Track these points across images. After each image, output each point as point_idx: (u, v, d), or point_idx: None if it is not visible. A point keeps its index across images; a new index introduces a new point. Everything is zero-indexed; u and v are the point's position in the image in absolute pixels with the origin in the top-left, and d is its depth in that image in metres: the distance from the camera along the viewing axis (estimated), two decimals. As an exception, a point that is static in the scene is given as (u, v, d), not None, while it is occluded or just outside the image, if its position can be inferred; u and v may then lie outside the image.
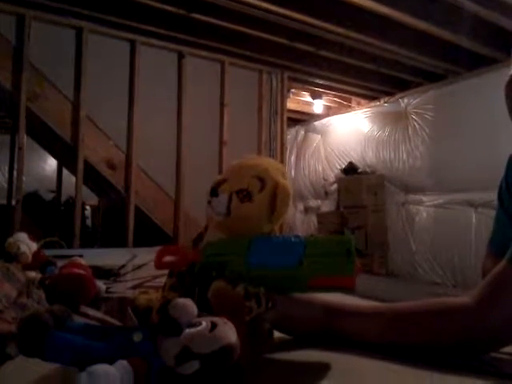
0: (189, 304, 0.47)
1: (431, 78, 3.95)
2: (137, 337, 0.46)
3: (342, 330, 0.64)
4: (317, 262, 0.60)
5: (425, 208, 3.93)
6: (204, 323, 0.47)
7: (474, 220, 3.50)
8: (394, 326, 0.62)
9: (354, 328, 0.64)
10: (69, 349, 0.46)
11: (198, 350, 0.44)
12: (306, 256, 0.60)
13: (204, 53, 3.41)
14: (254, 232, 0.66)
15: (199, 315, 0.49)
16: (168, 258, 0.68)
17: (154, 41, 3.21)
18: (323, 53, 3.52)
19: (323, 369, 0.57)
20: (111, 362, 0.43)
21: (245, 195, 0.65)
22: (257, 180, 0.66)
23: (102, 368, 0.41)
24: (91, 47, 2.98)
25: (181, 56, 3.33)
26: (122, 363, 0.43)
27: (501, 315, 0.55)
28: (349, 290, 0.60)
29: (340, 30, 3.03)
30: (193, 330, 0.46)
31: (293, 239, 0.64)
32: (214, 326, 0.46)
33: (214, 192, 0.68)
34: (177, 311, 0.46)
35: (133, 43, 3.14)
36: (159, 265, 0.68)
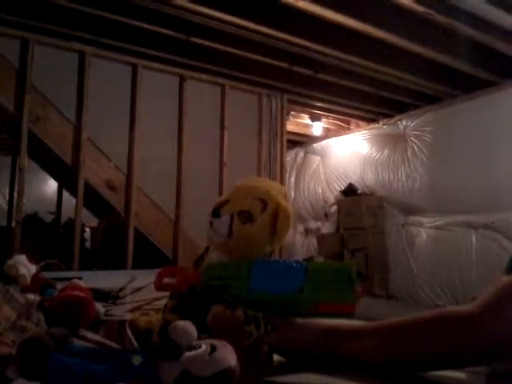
0: (189, 326, 0.47)
1: (429, 100, 4.00)
2: (136, 360, 0.46)
3: (341, 352, 0.63)
4: (318, 288, 0.60)
5: (425, 229, 3.92)
6: (204, 346, 0.47)
7: (474, 241, 3.50)
8: (393, 340, 0.61)
9: (353, 348, 0.63)
10: (69, 372, 0.46)
11: (197, 374, 0.44)
12: (307, 282, 0.60)
13: (204, 76, 3.46)
14: (255, 253, 0.66)
15: (200, 338, 0.48)
16: (168, 280, 0.68)
17: (155, 64, 3.26)
18: (322, 76, 3.58)
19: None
20: (111, 384, 0.43)
21: (246, 217, 0.66)
22: (258, 201, 0.67)
23: None
24: (93, 70, 3.03)
25: (182, 79, 3.38)
26: None
27: (502, 327, 0.54)
28: (349, 316, 0.60)
29: (338, 53, 3.08)
30: (192, 353, 0.45)
31: (294, 264, 0.63)
32: (213, 349, 0.46)
33: (215, 213, 0.69)
34: (177, 334, 0.46)
35: (134, 67, 3.19)
36: (159, 286, 0.68)
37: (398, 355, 0.60)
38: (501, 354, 0.55)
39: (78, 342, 0.54)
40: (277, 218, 0.65)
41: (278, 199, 0.67)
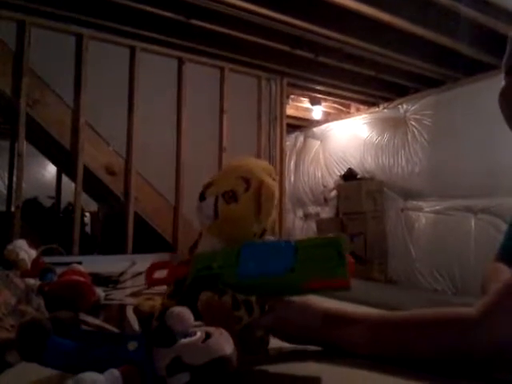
0: (185, 313, 0.47)
1: (429, 83, 3.96)
2: (131, 345, 0.46)
3: (332, 338, 0.62)
4: (308, 267, 0.59)
5: (424, 214, 3.92)
6: (198, 333, 0.46)
7: (473, 226, 3.50)
8: (386, 333, 0.60)
9: (343, 335, 0.62)
10: (65, 354, 0.46)
11: (189, 361, 0.44)
12: (297, 261, 0.59)
13: (204, 59, 3.42)
14: (243, 233, 0.66)
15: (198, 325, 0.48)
16: (158, 274, 0.68)
17: (153, 47, 3.22)
18: (322, 59, 3.54)
19: (316, 382, 0.56)
20: (105, 369, 0.43)
21: (230, 196, 0.65)
22: (241, 180, 0.66)
23: (89, 376, 0.41)
24: (91, 53, 2.99)
25: (180, 62, 3.34)
26: (112, 371, 0.43)
27: (506, 328, 0.52)
28: (345, 289, 0.59)
29: (339, 36, 3.05)
30: (186, 340, 0.45)
31: (283, 244, 0.63)
32: (207, 336, 0.46)
33: (201, 196, 0.68)
34: (172, 320, 0.46)
35: (132, 49, 3.15)
36: (150, 282, 0.68)
37: (387, 349, 0.59)
38: (504, 362, 0.53)
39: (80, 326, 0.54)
40: (260, 196, 0.64)
41: (261, 177, 0.66)
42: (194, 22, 2.95)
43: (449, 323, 0.56)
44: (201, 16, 2.91)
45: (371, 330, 0.60)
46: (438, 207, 3.82)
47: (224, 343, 0.46)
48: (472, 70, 3.53)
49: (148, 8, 2.79)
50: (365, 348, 0.59)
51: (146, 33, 3.11)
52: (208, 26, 3.01)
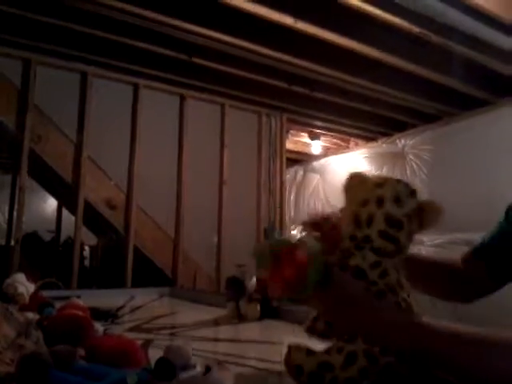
0: (183, 347, 0.47)
1: (426, 118, 4.03)
2: (131, 379, 0.46)
3: (440, 355, 0.57)
4: None
5: (425, 248, 3.91)
6: (198, 367, 0.47)
7: (474, 259, 3.48)
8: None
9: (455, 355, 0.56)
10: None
11: None
12: None
13: (204, 95, 3.50)
14: None
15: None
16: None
17: (156, 84, 3.30)
18: (318, 95, 3.61)
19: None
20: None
21: None
22: None
23: None
24: (95, 90, 3.06)
25: (182, 99, 3.42)
26: None
27: None
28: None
29: (333, 72, 3.12)
30: (185, 374, 0.45)
31: None
32: (208, 369, 0.46)
33: None
34: (172, 354, 0.46)
35: (136, 86, 3.23)
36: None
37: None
38: None
39: (79, 361, 0.54)
40: None
41: None
42: (195, 60, 3.03)
43: None
44: (202, 54, 2.99)
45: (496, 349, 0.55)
46: (438, 241, 3.80)
47: (224, 377, 0.46)
48: (467, 105, 3.60)
49: (151, 47, 2.88)
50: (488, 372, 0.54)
51: (149, 70, 3.19)
52: (209, 64, 3.09)
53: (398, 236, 0.71)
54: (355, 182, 0.74)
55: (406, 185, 0.73)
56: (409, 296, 0.71)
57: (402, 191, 0.71)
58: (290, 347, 0.66)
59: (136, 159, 3.16)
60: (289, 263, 0.60)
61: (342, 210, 0.76)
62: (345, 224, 0.73)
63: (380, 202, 0.70)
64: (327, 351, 0.64)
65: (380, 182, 0.72)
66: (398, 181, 0.73)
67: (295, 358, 0.65)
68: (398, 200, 0.70)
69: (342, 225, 0.74)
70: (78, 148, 2.98)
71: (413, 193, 0.72)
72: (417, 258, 0.87)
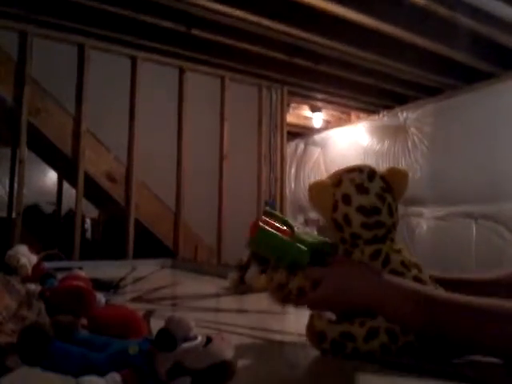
0: (185, 318, 0.47)
1: (429, 92, 3.98)
2: (132, 350, 0.47)
3: (452, 324, 0.58)
4: None
5: (425, 220, 3.93)
6: (199, 338, 0.47)
7: (474, 232, 3.50)
8: None
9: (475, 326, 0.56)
10: (67, 358, 0.47)
11: (190, 366, 0.44)
12: None
13: (204, 68, 3.45)
14: None
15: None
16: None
17: (154, 56, 3.24)
18: (322, 68, 3.56)
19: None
20: (107, 373, 0.44)
21: None
22: None
23: (90, 380, 0.42)
24: (93, 62, 3.01)
25: (181, 71, 3.37)
26: (113, 376, 0.43)
27: None
28: None
29: (337, 45, 3.07)
30: (187, 345, 0.46)
31: None
32: (208, 341, 0.47)
33: None
34: (173, 325, 0.46)
35: (134, 59, 3.17)
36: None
37: None
38: None
39: (81, 331, 0.55)
40: None
41: None
42: (194, 31, 2.97)
43: None
44: (201, 26, 2.93)
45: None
46: (438, 213, 3.82)
47: (225, 348, 0.47)
48: (470, 78, 3.55)
49: (149, 18, 2.82)
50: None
51: (147, 42, 3.13)
52: (208, 35, 3.04)
53: (380, 219, 0.72)
54: (316, 192, 0.75)
55: (361, 170, 0.73)
56: (421, 271, 0.72)
57: (360, 179, 0.72)
58: (312, 315, 0.69)
59: (135, 132, 3.14)
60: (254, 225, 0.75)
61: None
62: (331, 233, 0.76)
63: (346, 199, 0.71)
64: (350, 323, 0.65)
65: (337, 181, 0.73)
66: (352, 170, 0.74)
67: (318, 325, 0.67)
68: (361, 189, 0.71)
69: (330, 233, 0.79)
70: (77, 121, 2.96)
71: (371, 174, 0.73)
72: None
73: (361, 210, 0.70)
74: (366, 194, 0.70)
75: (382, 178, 0.73)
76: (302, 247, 0.75)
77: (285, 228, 0.78)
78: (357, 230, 0.70)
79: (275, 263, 0.77)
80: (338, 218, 0.72)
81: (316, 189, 0.75)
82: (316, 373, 0.63)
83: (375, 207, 0.70)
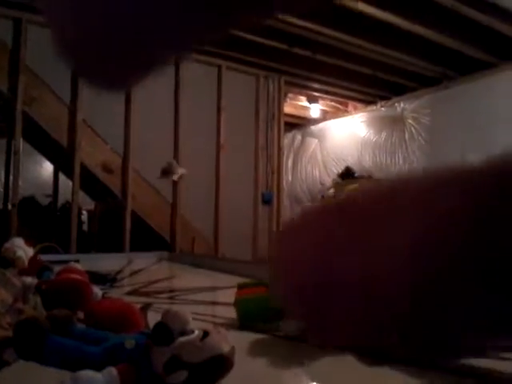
0: (182, 312, 0.47)
1: (427, 82, 3.97)
2: (129, 344, 0.46)
3: None
4: None
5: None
6: (196, 332, 0.47)
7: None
8: None
9: None
10: (62, 352, 0.46)
11: (187, 359, 0.44)
12: None
13: (201, 57, 3.42)
14: None
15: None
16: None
17: (151, 45, 3.21)
18: (320, 57, 3.54)
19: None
20: (103, 367, 0.43)
21: None
22: None
23: (86, 374, 0.41)
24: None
25: (178, 60, 3.34)
26: (110, 370, 0.43)
27: None
28: None
29: (336, 34, 3.05)
30: (183, 338, 0.45)
31: None
32: (205, 334, 0.46)
33: None
34: (170, 318, 0.46)
35: (130, 48, 3.14)
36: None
37: None
38: None
39: (77, 324, 0.54)
40: None
41: None
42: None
43: None
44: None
45: None
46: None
47: (222, 342, 0.46)
48: (469, 68, 3.54)
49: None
50: None
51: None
52: (205, 23, 3.00)
53: None
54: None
55: None
56: None
57: None
58: None
59: (132, 123, 3.12)
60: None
61: None
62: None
63: None
64: None
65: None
66: None
67: None
68: None
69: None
70: (73, 111, 2.93)
71: None
72: None
73: None
74: None
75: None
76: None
77: (260, 286, 0.79)
78: None
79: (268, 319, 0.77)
80: None
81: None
82: (314, 366, 0.63)
83: None
